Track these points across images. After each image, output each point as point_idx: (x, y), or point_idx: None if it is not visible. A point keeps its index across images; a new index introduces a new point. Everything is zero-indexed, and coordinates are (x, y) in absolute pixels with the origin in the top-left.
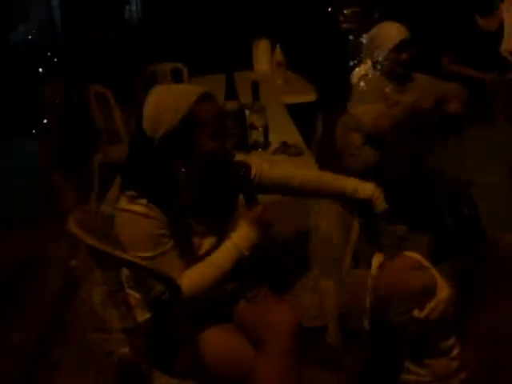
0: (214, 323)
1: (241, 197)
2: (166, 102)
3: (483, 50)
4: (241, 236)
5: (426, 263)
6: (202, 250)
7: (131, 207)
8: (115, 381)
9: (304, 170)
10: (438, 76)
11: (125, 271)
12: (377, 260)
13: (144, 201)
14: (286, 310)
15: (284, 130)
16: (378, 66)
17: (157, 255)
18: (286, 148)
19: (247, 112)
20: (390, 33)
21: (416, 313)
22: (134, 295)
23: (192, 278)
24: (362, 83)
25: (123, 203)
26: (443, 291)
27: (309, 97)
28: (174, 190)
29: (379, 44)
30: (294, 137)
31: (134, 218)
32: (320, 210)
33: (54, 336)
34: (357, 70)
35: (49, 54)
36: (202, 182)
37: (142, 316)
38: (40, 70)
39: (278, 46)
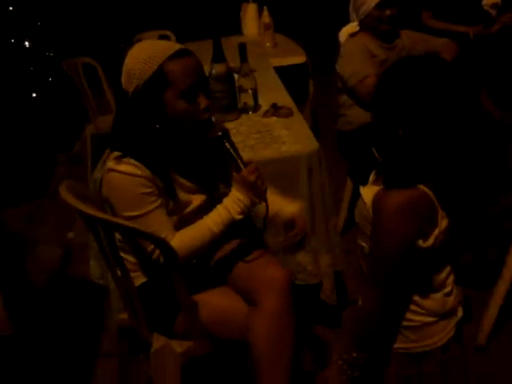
0: (210, 286)
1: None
2: (140, 56)
3: (464, 4)
4: (231, 200)
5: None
6: (191, 207)
7: (117, 167)
8: (116, 345)
9: None
10: (423, 32)
11: (118, 236)
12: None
13: (130, 159)
14: (278, 268)
15: (274, 92)
16: (363, 24)
17: (145, 213)
18: (276, 110)
19: (236, 76)
20: None
21: (420, 242)
22: (129, 259)
23: (182, 240)
24: (348, 42)
25: (110, 163)
26: (444, 220)
27: (298, 58)
28: (154, 146)
29: (363, 1)
30: (283, 98)
31: (121, 177)
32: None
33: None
34: (344, 28)
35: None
36: (177, 139)
37: (139, 280)
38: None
39: (265, 8)
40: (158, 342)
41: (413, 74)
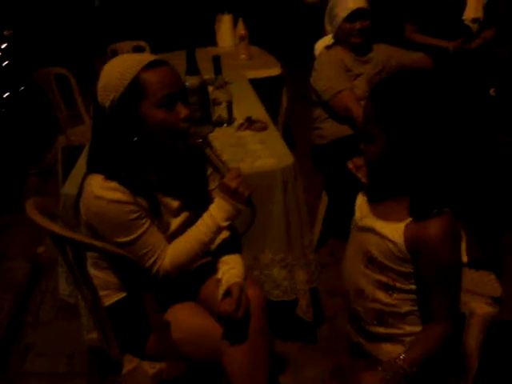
0: (180, 301)
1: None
2: (115, 69)
3: (446, 18)
4: (216, 207)
5: None
6: (176, 226)
7: (104, 194)
8: (86, 366)
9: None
10: (402, 46)
11: (91, 255)
12: None
13: (115, 184)
14: (252, 286)
15: (248, 105)
16: (337, 37)
17: (137, 236)
18: (250, 123)
19: (210, 88)
20: (345, 3)
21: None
22: (101, 277)
23: (175, 254)
24: (323, 56)
25: (95, 189)
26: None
27: (274, 70)
28: (135, 164)
29: (335, 14)
30: (258, 112)
31: (109, 205)
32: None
33: (25, 323)
34: (319, 41)
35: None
36: (158, 153)
37: (110, 299)
38: None
39: (240, 19)
40: (129, 363)
41: (410, 87)
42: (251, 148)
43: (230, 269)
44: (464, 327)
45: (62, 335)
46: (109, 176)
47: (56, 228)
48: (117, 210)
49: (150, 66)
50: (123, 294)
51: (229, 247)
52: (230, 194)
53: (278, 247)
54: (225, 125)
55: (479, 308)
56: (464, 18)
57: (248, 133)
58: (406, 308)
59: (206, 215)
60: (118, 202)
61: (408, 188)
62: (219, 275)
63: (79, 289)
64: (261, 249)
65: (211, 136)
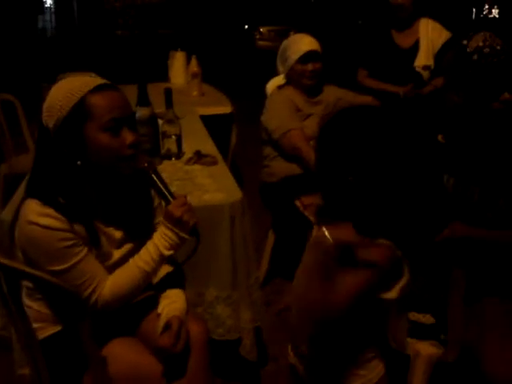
0: (119, 336)
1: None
2: (62, 90)
3: (398, 65)
4: (159, 235)
5: None
6: (116, 257)
7: (37, 219)
8: None
9: None
10: (354, 89)
11: (26, 284)
12: None
13: (50, 210)
14: (195, 322)
15: (198, 140)
16: (289, 78)
17: (72, 265)
18: (199, 157)
19: (160, 121)
20: (298, 44)
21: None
22: (35, 308)
23: (116, 284)
24: (274, 95)
25: (29, 215)
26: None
27: (224, 109)
28: (76, 190)
29: (288, 56)
30: (208, 146)
31: (42, 231)
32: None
33: None
34: (271, 81)
35: None
36: (101, 178)
37: (45, 332)
38: None
39: (194, 56)
40: None
41: (357, 122)
42: (200, 182)
43: (171, 303)
44: (409, 368)
45: None
46: (46, 202)
47: None
48: (49, 237)
49: (97, 88)
50: (59, 327)
51: (171, 282)
52: (174, 222)
53: (224, 284)
54: (173, 158)
55: (424, 349)
56: (415, 64)
57: (197, 167)
58: None
59: (149, 244)
60: (52, 228)
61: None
62: (159, 309)
63: (12, 321)
64: (205, 285)
65: (159, 168)
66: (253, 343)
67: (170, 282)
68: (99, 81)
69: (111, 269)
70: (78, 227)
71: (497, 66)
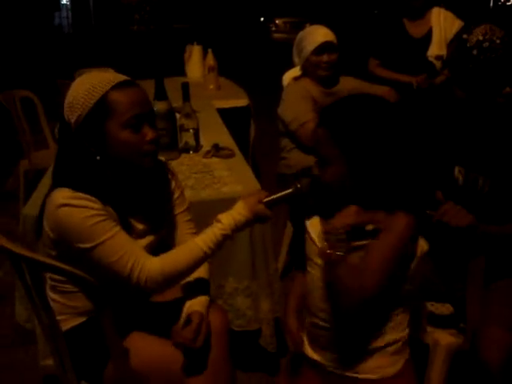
0: (139, 327)
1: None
2: (83, 86)
3: (411, 54)
4: (231, 217)
5: None
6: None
7: (70, 201)
8: None
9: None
10: (366, 80)
11: (49, 276)
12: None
13: (81, 194)
14: (216, 314)
15: (216, 133)
16: (304, 69)
17: (108, 238)
18: (217, 150)
19: (178, 115)
20: (313, 35)
21: None
22: (60, 300)
23: (166, 261)
24: (290, 87)
25: (60, 199)
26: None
27: (241, 101)
28: (99, 181)
29: (303, 47)
30: (225, 139)
31: (75, 210)
32: None
33: None
34: (287, 73)
35: None
36: (121, 173)
37: (68, 323)
38: None
39: (210, 50)
40: None
41: (375, 112)
42: (217, 175)
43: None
44: (428, 357)
45: (17, 362)
46: (75, 188)
47: (13, 247)
48: (83, 214)
49: (119, 85)
50: (82, 319)
51: (195, 274)
52: (256, 210)
53: (243, 275)
54: (191, 151)
55: (443, 338)
56: (428, 54)
57: (215, 160)
58: None
59: (214, 225)
60: (84, 206)
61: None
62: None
63: (36, 313)
64: (225, 277)
65: (177, 162)
66: (272, 334)
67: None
68: (121, 77)
69: None
70: (109, 209)
71: (496, 60)
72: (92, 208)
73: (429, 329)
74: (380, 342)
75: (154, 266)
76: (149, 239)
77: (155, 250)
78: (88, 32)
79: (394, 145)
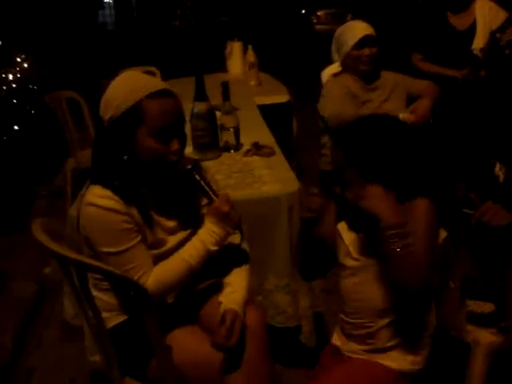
0: (181, 324)
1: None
2: (121, 87)
3: (455, 47)
4: (205, 231)
5: None
6: (169, 245)
7: (97, 201)
8: None
9: None
10: (409, 74)
11: (92, 275)
12: None
13: (109, 193)
14: (254, 311)
15: (256, 131)
16: (344, 64)
17: (125, 249)
18: (257, 149)
19: (218, 113)
20: (353, 30)
21: None
22: (104, 298)
23: (160, 276)
24: (330, 83)
25: (90, 197)
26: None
27: (282, 97)
28: (129, 180)
29: (343, 42)
30: (266, 137)
31: (101, 212)
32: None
33: (28, 345)
34: (326, 69)
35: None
36: (148, 174)
37: (112, 321)
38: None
39: (250, 47)
40: None
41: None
42: (258, 173)
43: (232, 293)
44: (468, 357)
45: (66, 358)
46: (105, 185)
47: (59, 248)
48: (106, 217)
49: (155, 94)
50: (125, 317)
51: (237, 268)
52: (221, 217)
53: (282, 273)
54: (232, 150)
55: (483, 337)
56: (473, 47)
57: (255, 158)
58: None
59: (195, 239)
60: (109, 209)
61: None
62: (220, 297)
63: (83, 311)
64: (264, 274)
65: (217, 161)
66: (312, 330)
67: (235, 269)
68: (158, 85)
69: (166, 255)
70: (133, 211)
71: None
72: (117, 211)
73: (469, 327)
74: (400, 343)
75: (148, 282)
76: (181, 235)
77: None
78: (131, 29)
79: (406, 158)
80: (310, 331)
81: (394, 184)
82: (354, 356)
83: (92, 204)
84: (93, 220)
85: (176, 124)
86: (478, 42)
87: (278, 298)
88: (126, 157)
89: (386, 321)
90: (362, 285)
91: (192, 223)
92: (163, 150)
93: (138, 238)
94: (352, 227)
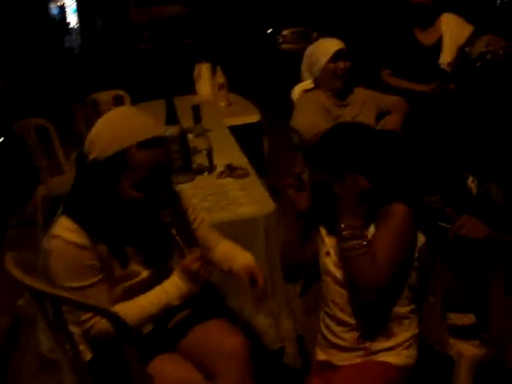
0: (160, 353)
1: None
2: (108, 128)
3: (422, 62)
4: (171, 285)
5: None
6: (138, 278)
7: (62, 233)
8: None
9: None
10: (378, 89)
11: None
12: None
13: (76, 227)
14: (236, 337)
15: (229, 153)
16: (318, 81)
17: (85, 286)
18: (231, 170)
19: (190, 136)
20: (326, 46)
21: None
22: (78, 332)
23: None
24: (303, 98)
25: (57, 229)
26: None
27: (252, 117)
28: (104, 216)
29: (316, 59)
30: (239, 159)
31: (64, 245)
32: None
33: (5, 378)
34: (297, 86)
35: None
36: (124, 215)
37: (90, 353)
38: None
39: (219, 68)
40: None
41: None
42: (232, 195)
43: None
44: (453, 370)
45: None
46: (75, 218)
47: (34, 283)
48: (70, 251)
49: (144, 144)
50: (102, 350)
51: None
52: (190, 275)
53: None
54: (205, 173)
55: (466, 350)
56: (440, 62)
57: (229, 180)
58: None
59: (159, 289)
60: (74, 243)
61: None
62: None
63: (59, 344)
64: (244, 298)
65: (191, 184)
66: (296, 352)
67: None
68: (148, 133)
69: (138, 286)
70: (101, 247)
71: (500, 71)
72: (80, 246)
73: (451, 341)
74: (391, 342)
75: (102, 322)
76: (149, 271)
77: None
78: (98, 53)
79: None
80: (294, 353)
81: (374, 188)
82: (349, 363)
83: (57, 236)
84: (56, 252)
85: (162, 177)
86: (445, 57)
87: (259, 321)
88: (106, 199)
89: (371, 320)
90: (344, 286)
91: (167, 257)
92: (145, 201)
93: (99, 277)
94: (331, 232)
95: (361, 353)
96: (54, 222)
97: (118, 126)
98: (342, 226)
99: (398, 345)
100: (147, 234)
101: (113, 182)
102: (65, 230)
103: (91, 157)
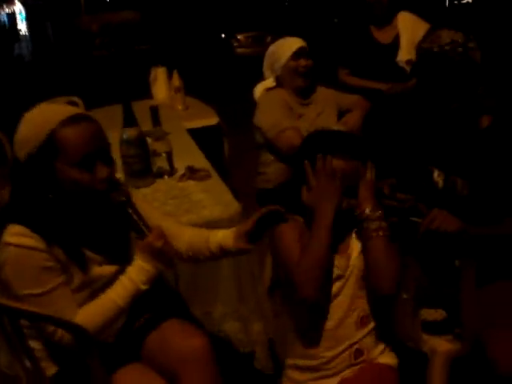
0: (124, 364)
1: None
2: (30, 123)
3: (380, 61)
4: (135, 269)
5: None
6: (102, 280)
7: (14, 240)
8: None
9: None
10: (336, 88)
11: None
12: None
13: (27, 231)
14: (195, 336)
15: (189, 155)
16: (280, 79)
17: (46, 291)
18: (192, 173)
19: (149, 139)
20: (288, 43)
21: None
22: (38, 347)
23: (86, 318)
24: (266, 95)
25: (5, 236)
26: None
27: (211, 120)
28: (53, 218)
29: (278, 57)
30: (200, 160)
31: (18, 251)
32: None
33: None
34: (259, 85)
35: None
36: (77, 209)
37: (52, 369)
38: None
39: (175, 71)
40: None
41: None
42: (195, 198)
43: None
44: (427, 365)
45: None
46: (23, 224)
47: None
48: (26, 256)
49: (69, 121)
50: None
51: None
52: (154, 253)
53: (230, 299)
54: (166, 176)
55: (440, 345)
56: (398, 59)
57: (190, 183)
58: None
59: (124, 278)
60: (28, 247)
61: None
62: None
63: (18, 359)
64: (212, 303)
65: (152, 188)
66: (267, 355)
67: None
68: (71, 111)
69: (101, 289)
70: (57, 251)
71: (461, 62)
72: (38, 250)
73: (424, 337)
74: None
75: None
76: (113, 268)
77: None
78: (49, 60)
79: None
80: (265, 357)
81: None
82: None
83: (9, 243)
84: (11, 260)
85: (98, 149)
86: (403, 55)
87: (228, 326)
88: (51, 195)
89: (368, 328)
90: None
91: (124, 257)
92: (89, 180)
93: (60, 279)
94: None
95: (358, 366)
96: (1, 232)
97: (38, 115)
98: (369, 208)
99: (386, 346)
100: (102, 229)
101: (50, 170)
102: (15, 235)
103: (22, 154)
